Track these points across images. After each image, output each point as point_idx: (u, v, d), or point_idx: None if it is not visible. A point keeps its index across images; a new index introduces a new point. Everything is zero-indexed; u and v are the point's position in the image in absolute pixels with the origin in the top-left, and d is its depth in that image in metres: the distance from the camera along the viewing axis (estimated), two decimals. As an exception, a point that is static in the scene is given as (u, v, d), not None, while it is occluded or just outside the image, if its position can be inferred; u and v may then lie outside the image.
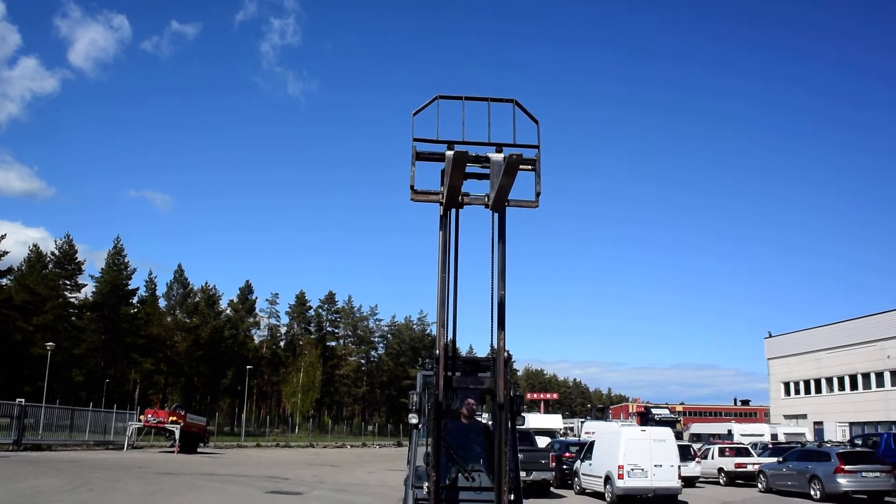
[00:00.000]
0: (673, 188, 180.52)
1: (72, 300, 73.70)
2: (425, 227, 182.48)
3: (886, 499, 20.77)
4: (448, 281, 7.38)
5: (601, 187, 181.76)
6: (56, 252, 73.65)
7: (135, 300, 79.80)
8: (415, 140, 7.29)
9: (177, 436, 39.71)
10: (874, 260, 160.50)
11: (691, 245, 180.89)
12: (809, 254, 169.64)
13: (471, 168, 7.24)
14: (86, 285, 75.45)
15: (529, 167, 7.33)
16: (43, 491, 17.53)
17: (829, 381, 56.10)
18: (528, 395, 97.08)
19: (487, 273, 7.42)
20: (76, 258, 74.69)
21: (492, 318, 7.34)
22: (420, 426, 7.96)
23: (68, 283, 73.69)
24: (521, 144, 7.39)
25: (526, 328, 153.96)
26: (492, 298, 7.35)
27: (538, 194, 7.34)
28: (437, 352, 7.05)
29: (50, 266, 72.79)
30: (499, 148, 7.36)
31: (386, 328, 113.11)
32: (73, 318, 72.85)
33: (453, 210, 7.44)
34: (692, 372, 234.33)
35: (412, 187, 7.27)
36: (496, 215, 7.36)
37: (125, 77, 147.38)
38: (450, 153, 6.91)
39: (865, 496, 20.60)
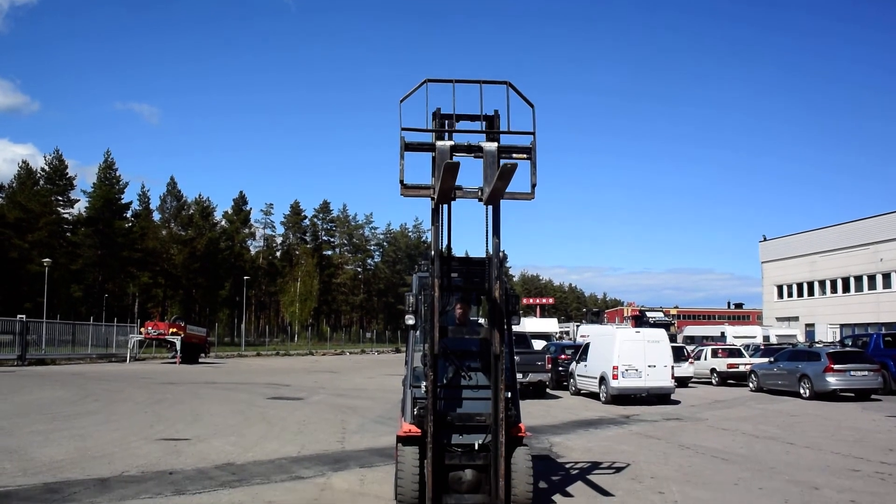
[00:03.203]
0: (669, 96, 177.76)
1: (65, 216, 73.44)
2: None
3: (873, 396, 21.33)
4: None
5: (595, 99, 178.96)
6: (46, 168, 72.86)
7: (129, 214, 79.58)
8: (403, 129, 6.96)
9: (178, 347, 40.37)
10: (869, 164, 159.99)
11: (687, 151, 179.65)
12: (805, 159, 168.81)
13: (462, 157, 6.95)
14: (78, 200, 75.13)
15: (524, 156, 6.98)
16: (50, 402, 17.83)
17: (822, 283, 56.77)
18: (524, 301, 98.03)
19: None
20: (67, 174, 74.05)
21: (486, 229, 7.22)
22: (417, 328, 7.95)
23: (60, 199, 73.26)
24: (516, 131, 7.10)
25: (522, 234, 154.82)
26: (490, 298, 7.18)
27: (534, 185, 7.00)
28: (432, 252, 6.95)
29: (41, 182, 72.14)
30: (491, 136, 7.10)
31: (381, 236, 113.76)
32: (68, 234, 72.71)
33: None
34: (687, 276, 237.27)
35: (402, 182, 6.96)
36: (490, 207, 7.08)
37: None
38: (441, 144, 6.64)
39: (853, 394, 21.14)
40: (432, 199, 6.92)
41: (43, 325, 40.17)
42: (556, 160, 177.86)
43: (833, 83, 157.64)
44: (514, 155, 6.93)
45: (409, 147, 7.01)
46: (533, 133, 7.06)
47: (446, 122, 7.40)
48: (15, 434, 12.38)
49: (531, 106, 7.09)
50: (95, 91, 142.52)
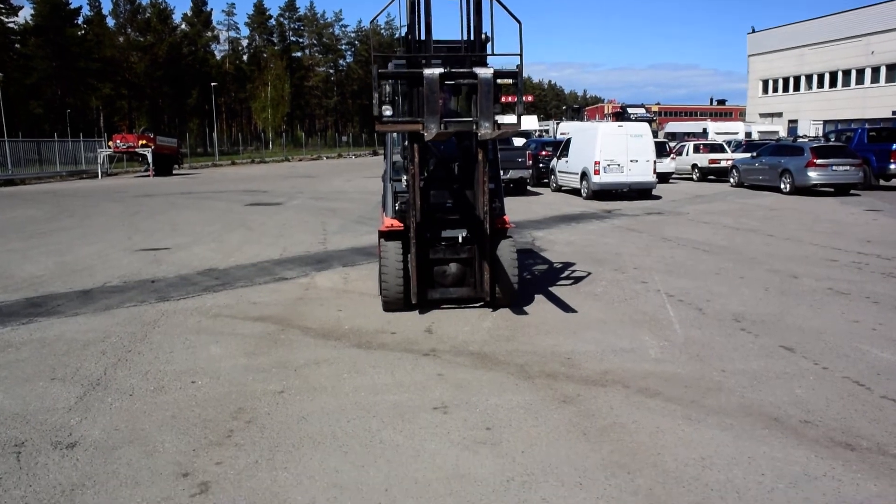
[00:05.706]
0: None
1: (11, 25, 68.65)
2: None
3: (852, 191, 21.41)
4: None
5: None
6: (-22, -29, 67.03)
7: (80, 21, 74.65)
8: (376, 54, 6.27)
9: (149, 159, 39.50)
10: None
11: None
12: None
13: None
14: (22, 7, 69.79)
15: (510, 81, 6.38)
16: (24, 221, 17.50)
17: (809, 78, 55.69)
18: (503, 98, 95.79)
19: None
20: (3, -24, 68.33)
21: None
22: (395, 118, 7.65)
23: (2, 6, 68.13)
24: (502, 53, 6.67)
25: (499, 30, 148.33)
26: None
27: (520, 116, 6.45)
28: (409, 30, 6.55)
29: (-25, -11, 66.69)
30: (477, 58, 6.67)
31: (353, 35, 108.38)
32: (17, 46, 68.50)
33: None
34: (670, 72, 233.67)
35: (378, 116, 6.16)
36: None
37: None
38: (430, 73, 5.98)
39: (832, 189, 21.14)
40: (420, 133, 6.29)
41: (6, 145, 38.73)
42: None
43: None
44: (499, 80, 6.35)
45: (383, 76, 6.31)
46: (520, 55, 6.38)
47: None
48: (-11, 250, 12.16)
49: (518, 22, 6.40)
50: None
